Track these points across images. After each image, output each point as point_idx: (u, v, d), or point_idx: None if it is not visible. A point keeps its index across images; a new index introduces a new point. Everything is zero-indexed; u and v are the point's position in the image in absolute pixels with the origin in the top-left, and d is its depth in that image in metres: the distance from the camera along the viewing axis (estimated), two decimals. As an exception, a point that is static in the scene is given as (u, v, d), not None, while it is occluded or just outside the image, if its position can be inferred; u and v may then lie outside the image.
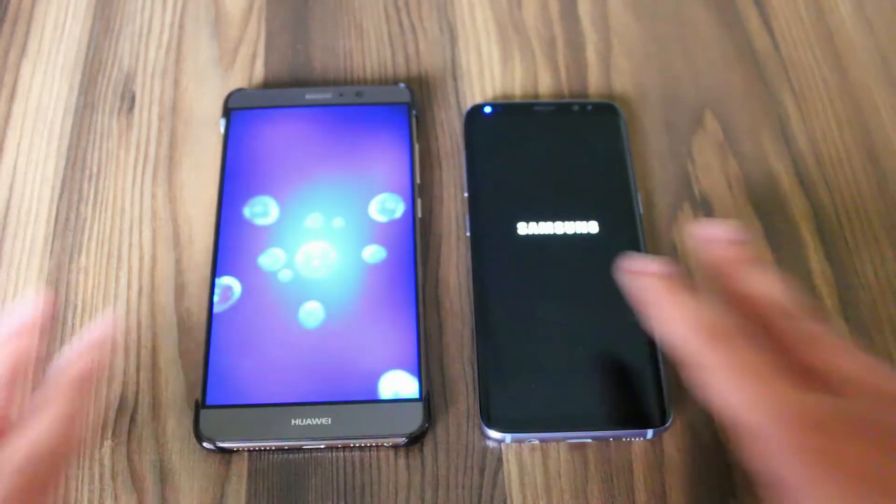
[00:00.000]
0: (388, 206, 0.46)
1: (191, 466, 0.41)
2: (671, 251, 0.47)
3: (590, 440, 0.42)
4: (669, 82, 0.52)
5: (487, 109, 0.50)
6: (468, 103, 0.51)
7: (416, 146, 0.49)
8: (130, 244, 0.47)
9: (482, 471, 0.41)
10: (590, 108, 0.50)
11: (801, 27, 0.55)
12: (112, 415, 0.42)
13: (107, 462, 0.41)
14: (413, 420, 0.41)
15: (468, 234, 0.46)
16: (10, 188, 0.48)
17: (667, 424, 0.41)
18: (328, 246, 0.45)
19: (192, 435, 0.41)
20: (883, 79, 0.53)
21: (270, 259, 0.45)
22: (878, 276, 0.46)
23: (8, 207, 0.48)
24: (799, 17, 0.55)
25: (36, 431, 0.31)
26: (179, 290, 0.45)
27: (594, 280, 0.44)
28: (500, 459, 0.41)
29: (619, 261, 0.40)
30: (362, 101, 0.50)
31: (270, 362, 0.42)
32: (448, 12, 0.55)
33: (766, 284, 0.35)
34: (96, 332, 0.36)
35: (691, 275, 0.46)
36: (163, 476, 0.41)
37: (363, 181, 0.47)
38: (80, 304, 0.45)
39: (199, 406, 0.41)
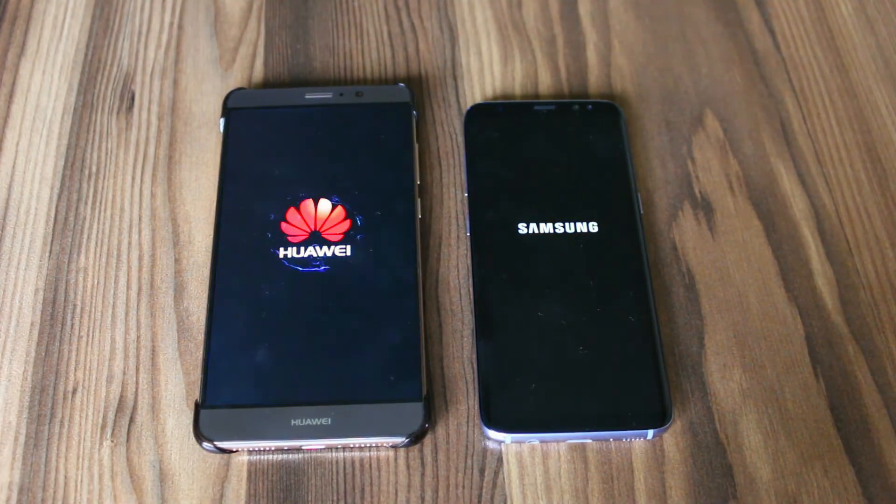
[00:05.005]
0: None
1: (190, 466, 0.41)
2: (671, 251, 0.47)
3: (590, 440, 0.42)
4: (669, 82, 0.52)
5: (487, 109, 0.50)
6: (468, 103, 0.51)
7: (416, 146, 0.49)
8: (130, 244, 0.47)
9: (482, 471, 0.41)
10: (590, 107, 0.50)
11: (802, 27, 0.55)
12: (111, 415, 0.42)
13: (106, 462, 0.41)
14: (413, 420, 0.41)
15: (468, 234, 0.46)
16: (9, 188, 0.48)
17: (667, 424, 0.41)
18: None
19: (192, 435, 0.41)
20: (884, 78, 0.53)
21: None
22: (879, 276, 0.46)
23: (7, 207, 0.48)
24: (800, 17, 0.55)
25: None
26: (179, 289, 0.45)
27: (594, 280, 0.44)
28: (500, 459, 0.41)
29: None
30: (362, 101, 0.50)
31: (270, 362, 0.42)
32: (448, 12, 0.55)
33: None
34: None
35: (692, 274, 0.46)
36: (162, 476, 0.41)
37: (363, 181, 0.47)
38: (79, 304, 0.45)
39: (199, 406, 0.41)
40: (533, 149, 0.49)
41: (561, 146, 0.49)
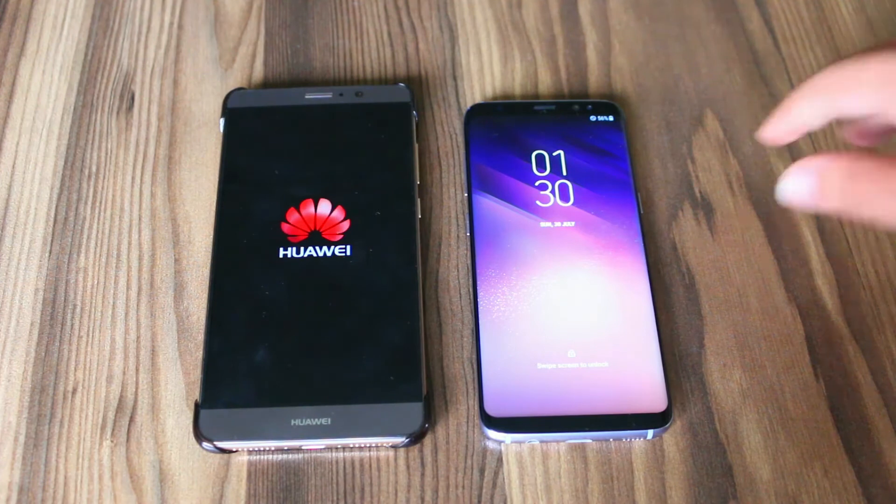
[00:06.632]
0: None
1: (190, 467, 0.41)
2: (671, 251, 0.47)
3: (590, 440, 0.42)
4: (669, 82, 0.52)
5: (487, 109, 0.50)
6: (468, 103, 0.51)
7: (416, 146, 0.49)
8: (129, 244, 0.47)
9: (482, 471, 0.41)
10: (590, 107, 0.50)
11: (802, 27, 0.55)
12: (111, 415, 0.42)
13: (106, 462, 0.41)
14: (413, 420, 0.41)
15: (468, 233, 0.46)
16: (9, 188, 0.48)
17: (667, 424, 0.41)
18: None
19: (192, 435, 0.41)
20: (883, 78, 0.52)
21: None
22: (879, 276, 0.46)
23: (7, 207, 0.48)
24: (800, 17, 0.55)
25: None
26: (179, 289, 0.45)
27: (593, 276, 0.44)
28: (500, 459, 0.41)
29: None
30: (362, 100, 0.50)
31: (270, 362, 0.42)
32: (448, 12, 0.55)
33: None
34: None
35: (692, 274, 0.46)
36: (162, 476, 0.41)
37: (363, 181, 0.47)
38: (79, 304, 0.45)
39: (199, 406, 0.41)
40: (533, 148, 0.49)
41: (560, 146, 0.49)
